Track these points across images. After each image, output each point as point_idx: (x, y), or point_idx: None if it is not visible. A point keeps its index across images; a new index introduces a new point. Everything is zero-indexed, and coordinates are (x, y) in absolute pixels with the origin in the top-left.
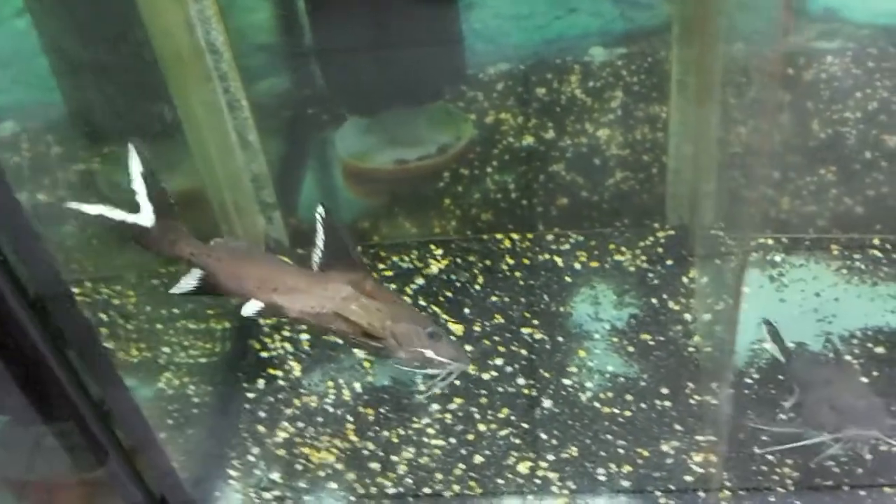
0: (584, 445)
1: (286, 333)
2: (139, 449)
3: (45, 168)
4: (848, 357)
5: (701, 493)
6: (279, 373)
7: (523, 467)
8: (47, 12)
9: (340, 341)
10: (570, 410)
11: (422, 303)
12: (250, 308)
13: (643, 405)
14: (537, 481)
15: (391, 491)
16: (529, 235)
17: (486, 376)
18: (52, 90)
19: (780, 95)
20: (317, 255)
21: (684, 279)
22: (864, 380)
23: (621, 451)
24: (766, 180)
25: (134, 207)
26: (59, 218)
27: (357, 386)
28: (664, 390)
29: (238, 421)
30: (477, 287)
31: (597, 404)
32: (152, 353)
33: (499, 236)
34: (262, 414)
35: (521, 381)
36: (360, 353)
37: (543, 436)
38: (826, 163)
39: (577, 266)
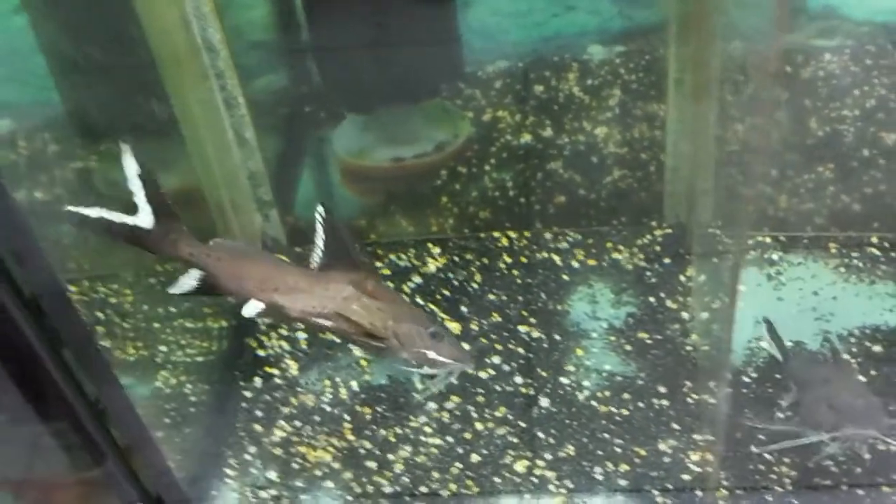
0: (582, 444)
1: (283, 332)
2: (135, 448)
3: (42, 166)
4: (846, 356)
5: (698, 493)
6: (276, 371)
7: (520, 466)
8: (44, 10)
9: (338, 340)
10: (568, 409)
11: (419, 301)
12: (251, 308)
13: (640, 404)
14: (534, 480)
15: (388, 490)
16: (527, 234)
17: (483, 375)
18: (48, 88)
19: (777, 93)
20: (317, 255)
21: (682, 277)
22: (862, 379)
23: (619, 450)
24: (763, 178)
25: (132, 207)
26: (56, 216)
27: (354, 384)
28: (662, 389)
29: (235, 420)
30: (474, 285)
31: (594, 403)
32: (149, 352)
33: (496, 234)
34: (258, 413)
35: (518, 379)
36: (357, 351)
37: (541, 435)
38: (824, 160)
39: (575, 264)
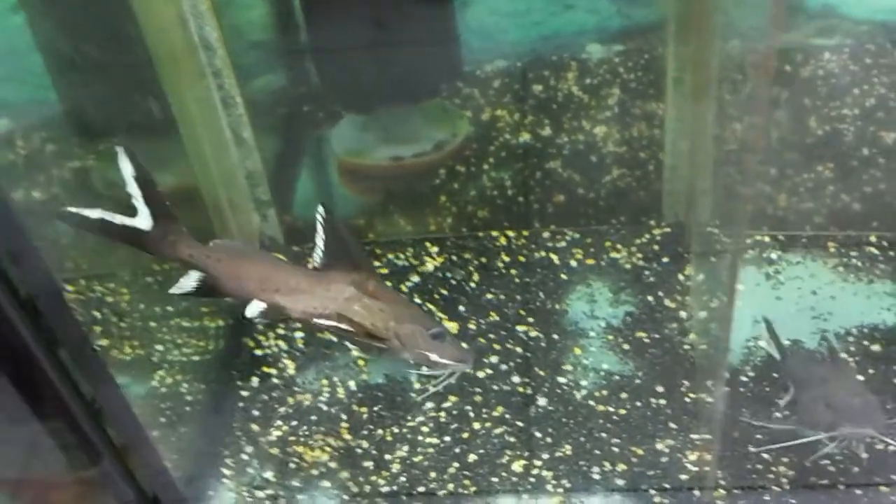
0: (579, 444)
1: (280, 331)
2: (131, 447)
3: (40, 165)
4: (844, 355)
5: (696, 492)
6: (273, 371)
7: (518, 466)
8: (41, 8)
9: (335, 339)
10: (565, 408)
11: (417, 300)
12: (253, 309)
13: (638, 403)
14: (532, 480)
15: (385, 489)
16: (525, 233)
17: (480, 374)
18: (45, 87)
19: (775, 92)
20: (318, 255)
21: (680, 276)
22: (860, 378)
23: (616, 449)
24: (761, 177)
25: (131, 208)
26: (53, 215)
27: (351, 384)
28: (659, 388)
29: (232, 419)
30: (472, 284)
31: (592, 402)
32: (146, 351)
33: (494, 233)
34: (255, 412)
35: (515, 378)
36: (354, 351)
37: (538, 434)
38: (823, 160)
39: (573, 263)
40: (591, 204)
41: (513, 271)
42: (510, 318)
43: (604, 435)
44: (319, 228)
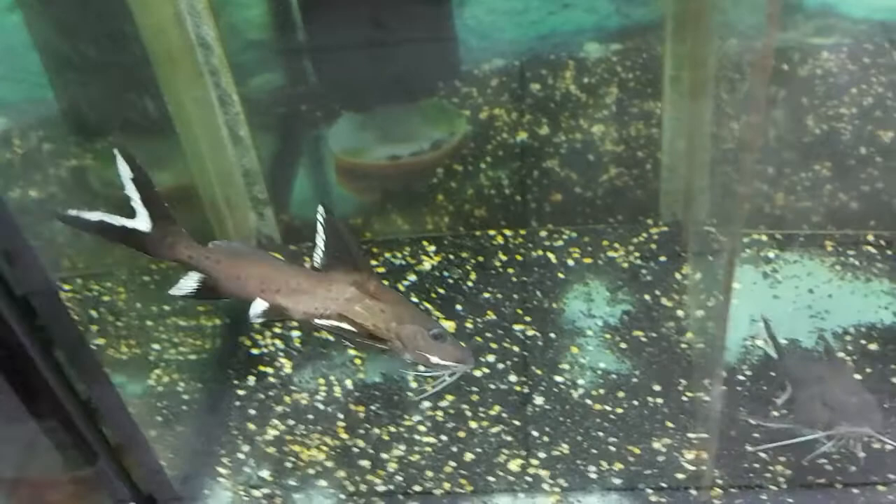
0: (576, 443)
1: (277, 330)
2: (127, 447)
3: (37, 164)
4: (841, 354)
5: (693, 491)
6: (270, 370)
7: (514, 465)
8: (38, 8)
9: (332, 338)
10: (562, 407)
11: (414, 299)
12: (256, 309)
13: (635, 402)
14: (528, 479)
15: (381, 489)
16: (522, 232)
17: (477, 373)
18: (43, 86)
19: (773, 91)
20: (318, 255)
21: (677, 275)
22: (858, 377)
23: (613, 448)
24: (758, 176)
25: (129, 209)
26: (50, 215)
27: (348, 383)
28: (656, 387)
29: (228, 418)
30: (469, 284)
31: (588, 401)
32: (142, 350)
33: (492, 232)
34: (251, 411)
35: (512, 378)
36: (351, 349)
37: (535, 433)
38: (821, 159)
39: (571, 262)
40: (589, 203)
41: (510, 270)
42: (507, 317)
43: (601, 434)
44: (320, 228)
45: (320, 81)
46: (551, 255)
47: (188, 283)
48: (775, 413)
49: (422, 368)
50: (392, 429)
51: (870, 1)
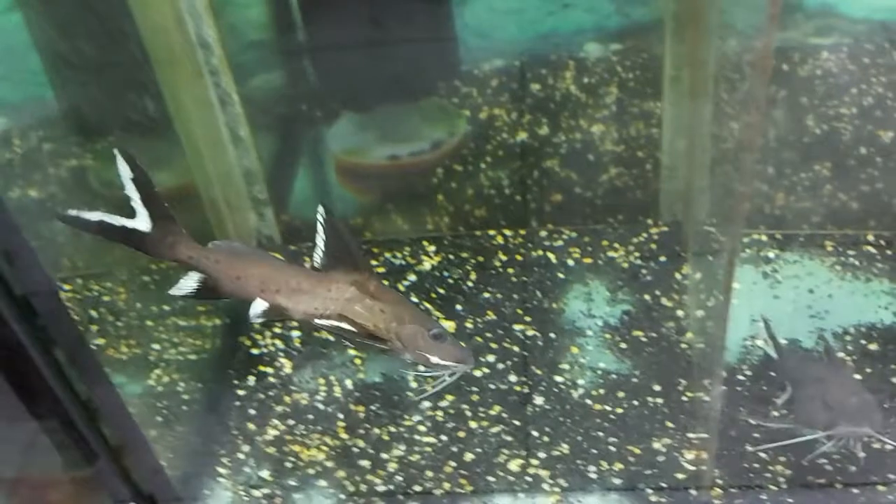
0: (576, 443)
1: (277, 330)
2: (127, 447)
3: (37, 164)
4: (841, 354)
5: (693, 491)
6: (270, 370)
7: (514, 465)
8: (38, 8)
9: (332, 338)
10: (562, 407)
11: (414, 299)
12: (256, 309)
13: (635, 402)
14: (528, 479)
15: (381, 489)
16: (522, 231)
17: (477, 373)
18: (43, 86)
19: (773, 91)
20: (318, 256)
21: (677, 275)
22: (858, 377)
23: (613, 448)
24: (758, 176)
25: (130, 209)
26: (50, 214)
27: (348, 383)
28: (656, 387)
29: (228, 418)
30: (469, 283)
31: (588, 401)
32: (142, 350)
33: (492, 232)
34: (252, 411)
35: (512, 378)
36: (352, 349)
37: (535, 433)
38: (821, 158)
39: (571, 262)
40: (589, 203)
41: (510, 270)
42: (507, 317)
43: (601, 434)
44: (320, 228)
45: (320, 81)
46: (551, 255)
47: (188, 283)
48: (775, 413)
49: (422, 368)
50: (392, 429)
51: (869, 1)
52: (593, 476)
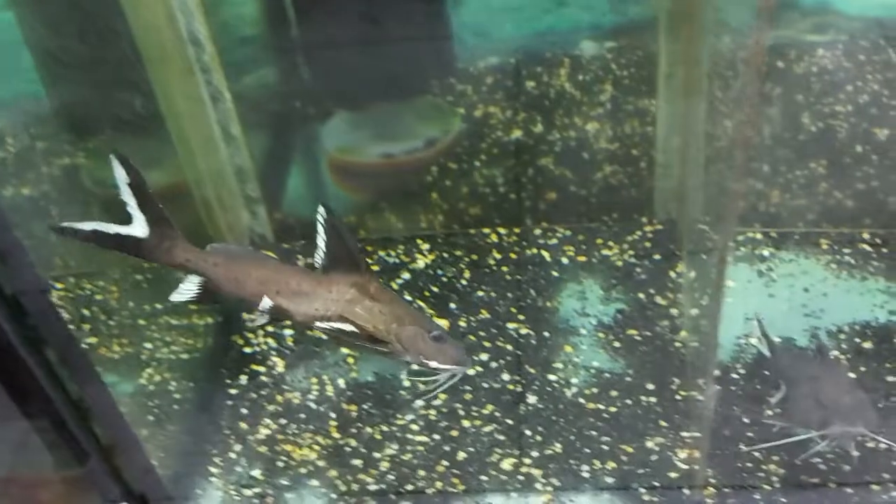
0: (569, 442)
1: (270, 329)
2: (118, 446)
3: (29, 162)
4: (836, 352)
5: (686, 490)
6: (262, 369)
7: (507, 464)
8: (30, 6)
9: (325, 337)
10: (555, 406)
11: (407, 297)
12: (264, 306)
13: (628, 401)
14: (521, 478)
15: (373, 488)
16: (517, 230)
17: (470, 372)
18: (35, 84)
19: (768, 88)
20: (318, 256)
21: (672, 274)
22: (852, 375)
23: (606, 447)
24: (752, 174)
25: (124, 210)
26: (41, 213)
27: (340, 382)
28: (650, 386)
29: (220, 417)
30: (463, 282)
31: (582, 400)
32: (134, 349)
33: (486, 231)
34: (244, 410)
35: (506, 376)
36: (344, 348)
37: (528, 432)
38: (816, 156)
39: (565, 261)
40: (583, 201)
41: (504, 268)
42: (501, 316)
43: (594, 433)
44: (320, 229)
45: (314, 79)
46: (545, 254)
47: (189, 287)
48: (769, 412)
49: (415, 367)
50: (384, 428)
51: None
52: (586, 475)
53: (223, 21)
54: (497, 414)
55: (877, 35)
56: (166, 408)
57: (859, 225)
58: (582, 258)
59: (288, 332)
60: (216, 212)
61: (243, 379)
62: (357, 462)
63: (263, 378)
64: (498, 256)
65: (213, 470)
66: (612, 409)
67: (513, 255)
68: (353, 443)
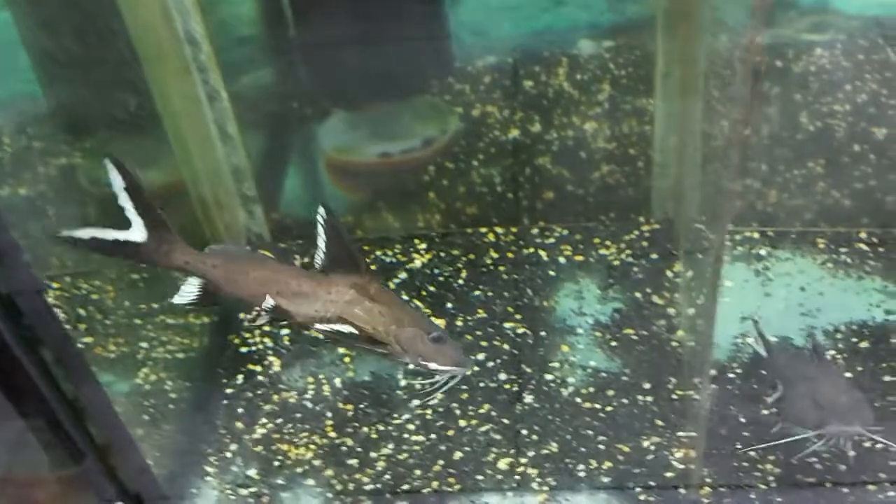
0: (565, 441)
1: (266, 329)
2: (113, 446)
3: (26, 162)
4: (832, 352)
5: (682, 490)
6: (258, 368)
7: (503, 464)
8: (27, 6)
9: (321, 336)
10: (552, 406)
11: (404, 297)
12: (267, 304)
13: (625, 400)
14: (517, 478)
15: (369, 487)
16: (514, 229)
17: (467, 371)
18: (32, 83)
19: (767, 87)
20: (319, 257)
21: (669, 273)
22: (848, 375)
23: (602, 447)
24: (749, 173)
25: (123, 218)
26: (39, 213)
27: (337, 381)
28: (646, 385)
29: (216, 417)
30: (460, 281)
31: (578, 400)
32: (130, 349)
33: (483, 230)
34: (240, 410)
35: (502, 376)
36: (341, 348)
37: (524, 432)
38: (814, 156)
39: (562, 260)
40: (581, 200)
41: (501, 268)
42: (498, 315)
43: (590, 432)
44: (320, 230)
45: (311, 78)
46: (542, 253)
47: (190, 289)
48: (766, 412)
49: (412, 367)
50: (381, 427)
51: None
52: (582, 475)
53: (220, 20)
54: (493, 413)
55: (875, 34)
56: (162, 407)
57: (856, 224)
58: (579, 257)
59: (284, 331)
60: (213, 211)
61: (239, 378)
62: (353, 462)
63: (260, 377)
64: (495, 256)
65: (209, 469)
66: (609, 409)
67: (510, 255)
68: (350, 442)
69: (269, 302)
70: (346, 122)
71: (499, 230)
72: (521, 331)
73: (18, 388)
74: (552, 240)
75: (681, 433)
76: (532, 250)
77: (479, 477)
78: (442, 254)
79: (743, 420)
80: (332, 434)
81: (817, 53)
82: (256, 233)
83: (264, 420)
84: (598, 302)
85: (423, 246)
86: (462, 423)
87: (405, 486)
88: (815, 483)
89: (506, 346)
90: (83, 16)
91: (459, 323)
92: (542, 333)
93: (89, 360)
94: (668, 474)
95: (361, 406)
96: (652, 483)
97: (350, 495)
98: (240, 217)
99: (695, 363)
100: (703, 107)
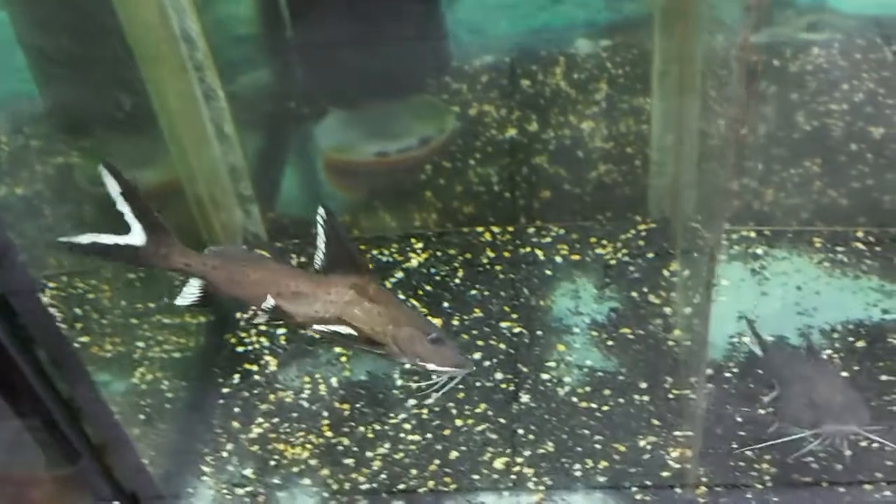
0: (561, 441)
1: (262, 328)
2: (109, 446)
3: (23, 161)
4: (828, 351)
5: (678, 489)
6: (255, 367)
7: (499, 463)
8: (23, 5)
9: (317, 336)
10: (548, 405)
11: (401, 296)
12: (264, 307)
13: (621, 400)
14: (513, 477)
15: (365, 487)
16: (510, 228)
17: (466, 372)
18: (28, 83)
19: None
20: (318, 258)
21: (665, 272)
22: (845, 374)
23: (598, 446)
24: (745, 172)
25: (122, 223)
26: (36, 213)
27: (333, 381)
28: (643, 385)
29: (212, 416)
30: (457, 281)
31: (575, 399)
32: (127, 348)
33: (479, 229)
34: (236, 409)
35: (499, 375)
36: (337, 347)
37: (520, 431)
38: (811, 155)
39: (559, 259)
40: (577, 199)
41: (498, 267)
42: (494, 315)
43: (586, 432)
44: (320, 230)
45: (308, 77)
46: (539, 252)
47: (191, 291)
48: (762, 411)
49: (408, 366)
50: (377, 427)
51: None
52: (578, 474)
53: (216, 19)
54: (490, 413)
55: (873, 33)
56: (158, 407)
57: (853, 223)
58: (575, 257)
59: (280, 331)
60: (209, 210)
61: (236, 378)
62: (349, 461)
63: (256, 377)
64: (491, 255)
65: (205, 469)
66: (605, 408)
67: (506, 254)
68: (346, 442)
69: (269, 302)
70: (343, 121)
71: (495, 229)
72: (517, 330)
73: (14, 387)
74: (549, 239)
75: (677, 433)
76: (528, 249)
77: (476, 476)
78: (438, 253)
79: (739, 419)
80: (329, 433)
81: (815, 52)
82: (253, 232)
83: (261, 419)
84: (595, 301)
85: (420, 245)
86: (458, 422)
87: (401, 486)
88: (811, 482)
89: (502, 346)
90: (79, 15)
91: (456, 322)
92: (539, 333)
93: (86, 359)
94: (665, 474)
95: (358, 405)
96: (648, 482)
97: (346, 495)
98: (236, 216)
99: (691, 362)
100: (700, 106)
